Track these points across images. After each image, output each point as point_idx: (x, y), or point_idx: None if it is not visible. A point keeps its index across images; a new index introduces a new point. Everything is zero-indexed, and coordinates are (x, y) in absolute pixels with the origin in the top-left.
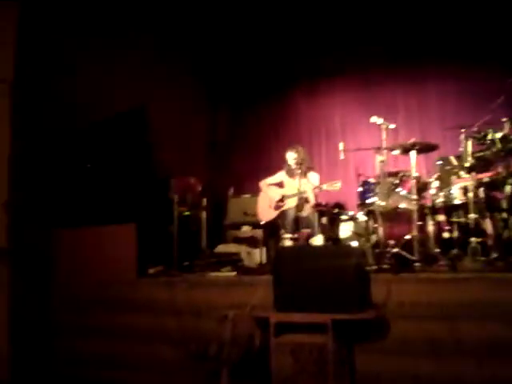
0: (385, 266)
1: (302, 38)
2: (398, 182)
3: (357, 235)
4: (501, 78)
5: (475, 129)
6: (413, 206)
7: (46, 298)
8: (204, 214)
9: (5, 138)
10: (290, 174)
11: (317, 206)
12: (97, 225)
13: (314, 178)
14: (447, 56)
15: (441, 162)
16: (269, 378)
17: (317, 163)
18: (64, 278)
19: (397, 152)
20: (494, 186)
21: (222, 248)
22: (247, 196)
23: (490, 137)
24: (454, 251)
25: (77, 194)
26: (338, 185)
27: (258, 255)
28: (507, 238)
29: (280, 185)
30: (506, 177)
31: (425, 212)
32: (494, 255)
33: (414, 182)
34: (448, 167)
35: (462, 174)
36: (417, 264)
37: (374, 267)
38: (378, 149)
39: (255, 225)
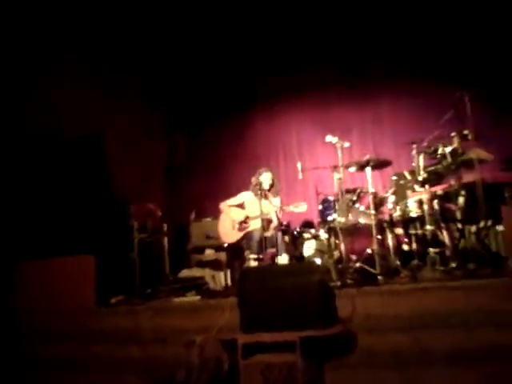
0: (349, 281)
1: (257, 59)
2: (355, 198)
3: (320, 252)
4: (449, 94)
5: (426, 144)
6: (371, 221)
7: (7, 329)
8: (165, 240)
9: None
10: (255, 194)
11: (280, 226)
12: (57, 255)
13: (276, 200)
14: (396, 73)
15: (395, 177)
16: None
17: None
18: (26, 310)
19: (353, 169)
20: (448, 197)
21: (185, 273)
22: (209, 219)
23: (440, 151)
24: (414, 262)
25: (37, 225)
26: (303, 206)
27: (223, 278)
28: (463, 248)
29: (241, 206)
30: (458, 189)
31: (383, 226)
32: (453, 264)
33: (371, 197)
34: (403, 182)
35: (417, 187)
36: (379, 277)
37: (339, 283)
38: (335, 167)
39: (218, 248)
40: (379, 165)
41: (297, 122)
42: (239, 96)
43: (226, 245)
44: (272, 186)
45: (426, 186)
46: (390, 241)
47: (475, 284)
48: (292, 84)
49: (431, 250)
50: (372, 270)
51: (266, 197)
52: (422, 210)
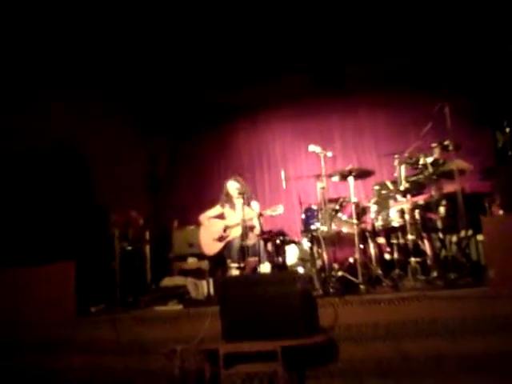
0: (331, 290)
1: (238, 68)
2: (338, 207)
3: (302, 261)
4: (428, 106)
5: (408, 154)
6: (354, 230)
7: None
8: (147, 248)
9: None
10: (231, 204)
11: (262, 233)
12: (35, 264)
13: (255, 206)
14: (376, 84)
15: (377, 187)
16: None
17: (260, 192)
18: (2, 320)
19: (336, 179)
20: (429, 207)
21: (167, 281)
22: (192, 227)
23: (421, 161)
24: (396, 272)
25: (15, 233)
26: (280, 208)
27: (205, 286)
28: (444, 257)
29: (221, 216)
30: (438, 199)
31: (366, 235)
32: (434, 274)
33: (353, 207)
34: (385, 191)
35: (398, 197)
36: (361, 286)
37: (321, 291)
38: (318, 176)
39: (201, 256)
40: (361, 174)
41: (280, 132)
42: (223, 105)
43: (208, 256)
44: (242, 193)
45: (408, 196)
46: (372, 250)
47: (456, 293)
48: (275, 94)
49: (412, 259)
50: (354, 279)
51: (245, 203)
52: (404, 220)
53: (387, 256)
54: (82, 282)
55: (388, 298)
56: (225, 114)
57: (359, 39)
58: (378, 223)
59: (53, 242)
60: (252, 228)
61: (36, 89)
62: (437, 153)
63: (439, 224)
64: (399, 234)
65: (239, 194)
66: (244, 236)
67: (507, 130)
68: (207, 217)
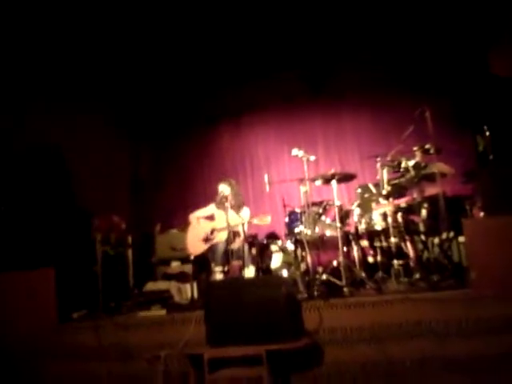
0: (315, 293)
1: (222, 72)
2: (322, 211)
3: (287, 264)
4: (410, 109)
5: (390, 158)
6: (337, 233)
7: None
8: (130, 252)
9: None
10: (221, 206)
11: (247, 238)
12: (14, 269)
13: (245, 212)
14: (358, 88)
15: (360, 190)
16: None
17: (244, 195)
18: None
19: (319, 183)
20: (411, 210)
21: (150, 286)
22: (174, 231)
23: (403, 165)
24: (379, 274)
25: None
26: (267, 219)
27: (189, 290)
28: (427, 259)
29: (211, 218)
30: (421, 201)
31: (349, 238)
32: (417, 276)
33: (336, 210)
34: (367, 195)
35: (381, 200)
36: (345, 289)
37: (305, 295)
38: (301, 180)
39: (184, 260)
40: (344, 178)
41: (263, 135)
42: (205, 108)
43: (192, 257)
44: (232, 197)
45: (390, 199)
46: (356, 253)
47: (439, 296)
48: (258, 97)
49: (395, 262)
50: (338, 281)
51: (233, 208)
52: (387, 223)
53: (370, 259)
54: (64, 287)
55: (372, 300)
56: (209, 117)
57: (344, 43)
58: (362, 226)
59: (34, 246)
60: (238, 233)
61: (16, 89)
62: (418, 156)
63: (421, 226)
64: (382, 237)
65: (225, 198)
66: (230, 240)
67: (487, 134)
68: (196, 217)
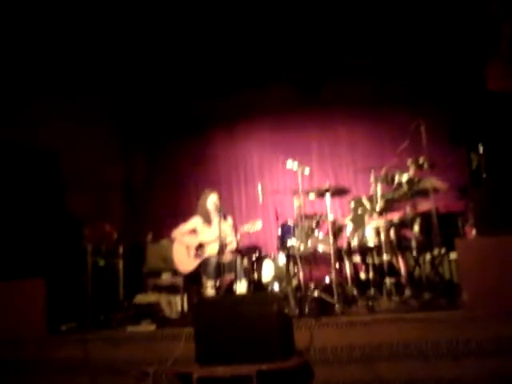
0: (306, 310)
1: (218, 80)
2: (315, 225)
3: (278, 279)
4: (405, 123)
5: (383, 171)
6: (330, 249)
7: None
8: (121, 263)
9: None
10: (206, 218)
11: (238, 250)
12: (3, 279)
13: (228, 222)
14: (354, 100)
15: (354, 204)
16: None
17: (237, 205)
18: None
19: (312, 196)
20: (403, 225)
21: (140, 298)
22: (166, 241)
23: (397, 179)
24: (371, 292)
25: None
26: (258, 224)
27: (179, 303)
28: (418, 276)
29: (194, 231)
30: (413, 217)
31: (342, 254)
32: (408, 293)
33: (330, 225)
34: (361, 209)
35: (374, 215)
36: (337, 306)
37: (297, 311)
38: (295, 192)
39: (175, 272)
40: (338, 192)
41: (258, 145)
42: (199, 116)
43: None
44: (219, 207)
45: (383, 214)
46: (348, 269)
47: (430, 316)
48: (253, 104)
49: (387, 280)
50: (330, 299)
51: (224, 218)
52: (379, 240)
53: (362, 275)
54: (53, 298)
55: (363, 320)
56: (203, 125)
57: (340, 54)
58: (354, 242)
59: (23, 256)
60: (228, 244)
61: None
62: (412, 170)
63: (413, 243)
64: (374, 254)
65: (218, 209)
66: (221, 253)
67: (481, 151)
68: (181, 232)
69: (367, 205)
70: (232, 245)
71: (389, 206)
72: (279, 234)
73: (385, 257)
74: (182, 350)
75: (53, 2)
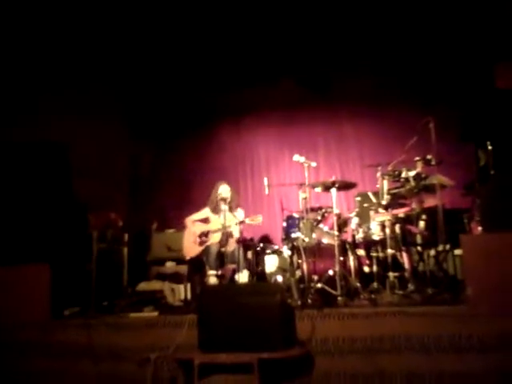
0: (309, 302)
1: (225, 73)
2: (320, 218)
3: (282, 270)
4: (413, 119)
5: (391, 168)
6: (335, 242)
7: None
8: (125, 250)
9: None
10: (215, 209)
11: (242, 240)
12: (8, 264)
13: (240, 213)
14: (363, 96)
15: (359, 198)
16: None
17: (243, 197)
18: None
19: (318, 189)
20: (409, 221)
21: (143, 286)
22: (171, 231)
23: (404, 175)
24: (374, 285)
25: None
26: (259, 219)
27: (183, 291)
28: (422, 271)
29: (206, 221)
30: (419, 212)
31: (346, 247)
32: (411, 288)
33: (335, 218)
34: (366, 203)
35: (380, 209)
36: (339, 298)
37: (299, 302)
38: (301, 185)
39: (179, 260)
40: (344, 186)
41: (264, 138)
42: (207, 109)
43: (187, 259)
44: (231, 199)
45: (389, 209)
46: (352, 262)
47: (433, 310)
48: (260, 99)
49: (391, 274)
50: (333, 291)
51: (230, 210)
52: (384, 233)
53: (366, 268)
54: (58, 283)
55: (365, 312)
56: (210, 118)
57: (349, 51)
58: (359, 235)
59: (29, 241)
60: (231, 235)
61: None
62: (419, 166)
63: (419, 238)
64: (379, 247)
65: (224, 199)
66: (223, 242)
67: (489, 148)
68: (192, 220)
69: (373, 199)
70: (236, 234)
71: (395, 202)
72: (284, 225)
73: (389, 251)
74: (185, 336)
75: None
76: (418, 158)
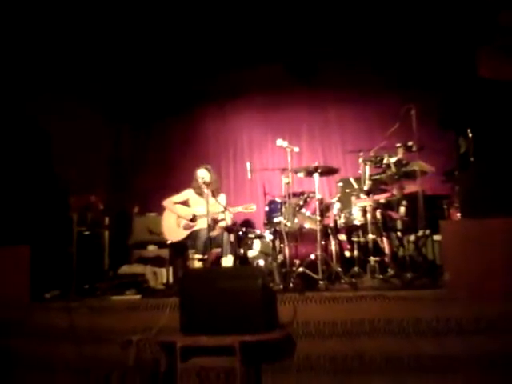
0: (291, 285)
1: (208, 56)
2: (302, 203)
3: (264, 254)
4: (395, 106)
5: (372, 153)
6: (316, 227)
7: None
8: (106, 234)
9: None
10: (199, 192)
11: (231, 227)
12: None
13: (221, 198)
14: (346, 82)
15: (341, 184)
16: None
17: (225, 182)
18: None
19: (301, 175)
20: (390, 206)
21: (125, 269)
22: (153, 214)
23: (385, 161)
24: (355, 270)
25: None
26: (253, 207)
27: (165, 275)
28: (402, 256)
29: (185, 203)
30: (400, 198)
31: (328, 232)
32: (391, 272)
33: (317, 203)
34: (348, 189)
35: (361, 195)
36: (321, 282)
37: (281, 286)
38: (284, 170)
39: (161, 244)
40: (327, 172)
41: (248, 122)
42: (190, 92)
43: (169, 242)
44: (210, 183)
45: (370, 195)
46: (333, 247)
47: (412, 294)
48: (244, 84)
49: (372, 258)
50: (314, 275)
51: (213, 195)
52: (366, 219)
53: (347, 253)
54: (38, 266)
55: (346, 296)
56: (193, 101)
57: (332, 36)
58: (341, 220)
59: (8, 223)
60: (219, 221)
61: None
62: (400, 153)
63: (399, 224)
64: (360, 232)
65: (206, 184)
66: (211, 228)
67: (470, 136)
68: (172, 202)
69: (355, 185)
70: (223, 221)
71: (376, 187)
72: (266, 210)
73: (370, 236)
74: (167, 319)
75: None
76: (399, 145)
